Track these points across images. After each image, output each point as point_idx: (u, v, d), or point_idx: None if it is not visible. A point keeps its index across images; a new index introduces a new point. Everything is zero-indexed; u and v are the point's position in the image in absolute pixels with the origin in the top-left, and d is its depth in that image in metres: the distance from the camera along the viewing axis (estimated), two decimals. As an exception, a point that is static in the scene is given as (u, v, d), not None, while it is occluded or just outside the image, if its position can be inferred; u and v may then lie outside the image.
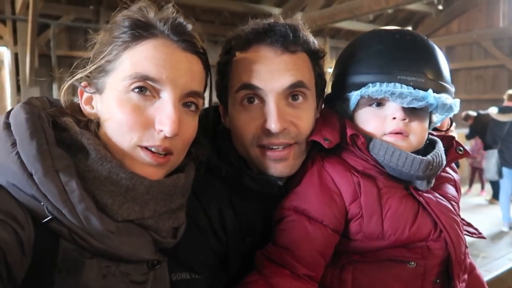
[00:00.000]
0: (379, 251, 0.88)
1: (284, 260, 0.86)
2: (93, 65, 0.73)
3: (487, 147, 5.65)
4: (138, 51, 0.71)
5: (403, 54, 0.89)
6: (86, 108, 0.76)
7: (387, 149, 0.88)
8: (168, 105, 0.71)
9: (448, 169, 1.02)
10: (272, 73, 0.87)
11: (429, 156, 0.88)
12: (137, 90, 0.70)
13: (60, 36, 6.54)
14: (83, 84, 0.76)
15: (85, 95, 0.76)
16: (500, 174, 5.34)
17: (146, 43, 0.71)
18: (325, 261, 0.88)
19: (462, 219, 0.98)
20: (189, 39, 0.75)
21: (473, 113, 6.55)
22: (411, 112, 0.88)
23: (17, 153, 0.63)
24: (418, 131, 0.91)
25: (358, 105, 0.94)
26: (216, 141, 0.98)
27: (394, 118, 0.89)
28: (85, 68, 0.75)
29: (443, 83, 0.89)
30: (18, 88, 6.14)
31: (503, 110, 5.34)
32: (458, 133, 5.22)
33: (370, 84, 0.88)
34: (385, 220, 0.87)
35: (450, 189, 0.97)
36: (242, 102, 0.90)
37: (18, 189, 0.63)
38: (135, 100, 0.70)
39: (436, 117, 0.97)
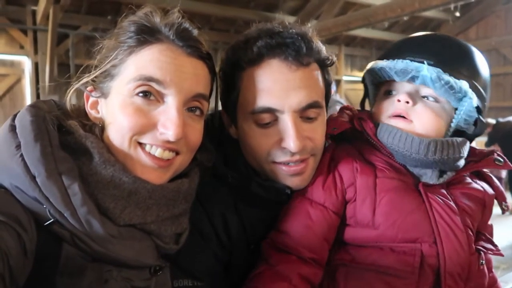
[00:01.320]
0: (369, 252, 0.86)
1: (288, 245, 0.86)
2: (98, 70, 0.74)
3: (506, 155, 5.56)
4: (143, 55, 0.71)
5: (421, 43, 0.92)
6: (91, 113, 0.76)
7: (391, 131, 0.89)
8: (172, 109, 0.71)
9: (483, 183, 0.97)
10: (288, 91, 0.85)
11: (430, 138, 0.87)
12: (142, 94, 0.70)
13: (78, 45, 6.66)
14: (89, 88, 0.76)
15: (91, 99, 0.76)
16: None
17: (151, 48, 0.72)
18: (328, 244, 0.89)
19: (482, 234, 0.94)
20: (194, 45, 0.75)
21: (492, 121, 6.44)
22: (419, 98, 0.89)
23: (21, 155, 0.63)
24: (424, 118, 0.89)
25: (377, 97, 0.98)
26: (222, 147, 0.96)
27: (399, 100, 0.90)
28: (91, 73, 0.75)
29: (460, 72, 0.87)
30: (37, 96, 6.27)
31: None
32: (477, 141, 5.14)
33: (377, 60, 0.92)
34: (378, 207, 0.86)
35: (470, 201, 0.92)
36: (258, 122, 0.88)
37: (21, 192, 0.63)
38: (139, 103, 0.70)
39: (456, 112, 0.92)
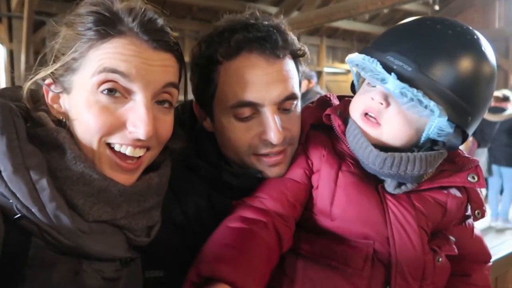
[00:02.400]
0: (326, 243, 0.88)
1: (254, 198, 0.89)
2: (57, 63, 0.69)
3: (479, 145, 5.79)
4: (105, 48, 0.67)
5: (412, 38, 0.83)
6: (54, 107, 0.72)
7: (356, 135, 0.87)
8: (140, 107, 0.68)
9: (452, 189, 0.93)
10: (268, 85, 0.86)
11: (388, 153, 0.83)
12: (106, 91, 0.67)
13: (56, 33, 6.51)
14: (47, 82, 0.72)
15: (51, 93, 0.73)
16: (489, 172, 5.50)
17: (114, 41, 0.68)
18: (297, 211, 0.90)
19: (440, 233, 0.93)
20: (161, 38, 0.71)
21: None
22: (395, 103, 0.82)
23: None
24: (394, 124, 0.84)
25: (359, 86, 0.95)
26: (194, 139, 0.97)
27: (372, 99, 0.85)
28: (49, 66, 0.71)
29: (440, 86, 0.78)
30: (13, 85, 6.10)
31: (493, 110, 5.48)
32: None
33: (356, 53, 0.87)
34: (336, 199, 0.87)
35: (428, 202, 0.90)
36: (238, 115, 0.88)
37: None
38: (104, 101, 0.67)
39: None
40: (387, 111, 0.84)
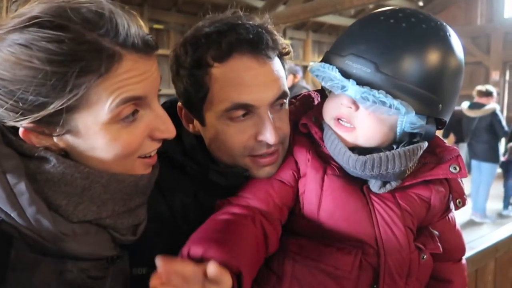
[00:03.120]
0: (315, 246, 0.88)
1: (239, 198, 0.88)
2: (46, 107, 0.59)
3: (458, 141, 5.90)
4: (111, 78, 0.62)
5: (367, 38, 0.81)
6: (47, 145, 0.64)
7: (333, 141, 0.87)
8: (160, 114, 0.71)
9: (436, 182, 0.92)
10: (262, 86, 0.86)
11: (366, 156, 0.83)
12: (127, 119, 0.66)
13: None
14: (25, 125, 0.62)
15: (35, 135, 0.64)
16: (469, 167, 5.58)
17: (116, 69, 0.62)
18: (283, 214, 0.90)
19: (425, 229, 0.95)
20: (151, 44, 0.68)
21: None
22: (365, 104, 0.80)
23: None
24: (366, 126, 0.83)
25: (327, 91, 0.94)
26: (181, 138, 0.96)
27: (342, 104, 0.84)
28: (28, 116, 0.60)
29: (401, 82, 0.77)
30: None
31: (472, 106, 5.63)
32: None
33: (316, 62, 0.87)
34: (323, 203, 0.87)
35: (412, 200, 0.90)
36: (233, 118, 0.88)
37: None
38: (126, 126, 0.66)
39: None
40: (357, 114, 0.84)
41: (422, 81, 0.79)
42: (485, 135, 5.53)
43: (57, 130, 0.63)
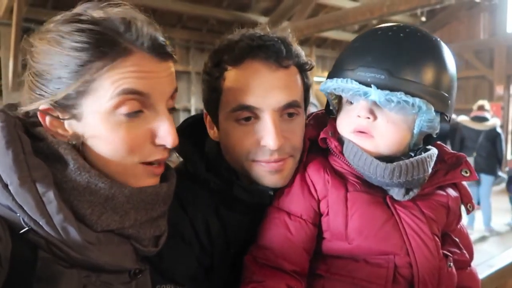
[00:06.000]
0: (344, 263, 0.87)
1: (270, 259, 0.86)
2: (61, 89, 0.66)
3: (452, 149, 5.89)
4: (117, 69, 0.66)
5: (371, 50, 0.86)
6: (58, 132, 0.69)
7: (356, 153, 0.88)
8: (164, 119, 0.70)
9: (447, 188, 0.96)
10: (268, 91, 0.87)
11: (394, 164, 0.85)
12: (133, 114, 0.68)
13: (44, 41, 6.46)
14: (42, 108, 0.68)
15: (50, 118, 0.68)
16: (478, 181, 5.52)
17: (123, 61, 0.66)
18: (309, 255, 0.88)
19: (448, 236, 0.95)
20: (164, 49, 0.71)
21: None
22: (380, 111, 0.85)
23: None
24: (386, 134, 0.86)
25: (340, 105, 0.95)
26: (205, 153, 0.97)
27: (359, 116, 0.86)
28: (51, 97, 0.66)
29: (417, 83, 0.83)
30: (0, 93, 6.02)
31: (477, 119, 5.63)
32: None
33: (328, 80, 0.89)
34: (350, 222, 0.86)
35: (434, 207, 0.92)
36: (238, 120, 0.89)
37: None
38: (127, 122, 0.68)
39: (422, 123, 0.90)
40: (376, 123, 0.86)
41: (434, 80, 0.85)
42: (490, 148, 5.53)
43: (68, 114, 0.68)
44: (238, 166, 0.94)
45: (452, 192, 0.95)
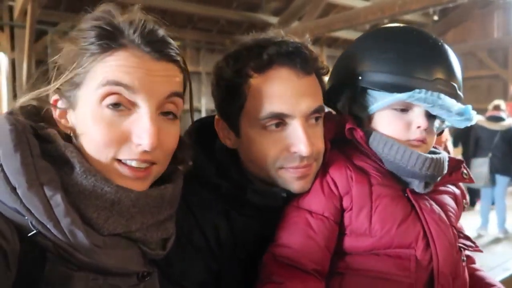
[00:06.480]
0: (365, 259, 0.87)
1: (291, 258, 0.85)
2: (61, 79, 0.70)
3: (464, 153, 5.80)
4: (108, 61, 0.68)
5: (442, 61, 0.90)
6: (61, 122, 0.73)
7: (387, 142, 0.90)
8: (144, 118, 0.68)
9: (449, 185, 1.01)
10: (297, 97, 0.88)
11: (428, 155, 0.89)
12: (111, 106, 0.67)
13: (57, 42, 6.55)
14: (54, 98, 0.73)
15: (58, 109, 0.73)
16: (492, 182, 5.45)
17: (116, 54, 0.68)
18: (330, 253, 0.89)
19: (460, 232, 0.97)
20: (162, 48, 0.71)
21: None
22: (432, 120, 0.92)
23: (0, 165, 0.62)
24: (432, 139, 0.93)
25: (372, 105, 0.95)
26: (214, 157, 0.97)
27: (419, 127, 0.89)
28: (53, 82, 0.71)
29: (461, 94, 0.91)
30: (14, 94, 6.12)
31: (493, 119, 5.53)
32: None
33: (417, 90, 0.85)
34: (374, 215, 0.87)
35: (448, 200, 0.97)
36: (266, 127, 0.89)
37: (1, 203, 0.62)
38: (109, 116, 0.68)
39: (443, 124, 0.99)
40: (430, 130, 0.93)
41: (460, 78, 0.93)
42: (506, 149, 5.42)
43: (68, 103, 0.71)
44: (264, 173, 0.93)
45: (455, 189, 1.01)
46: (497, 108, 5.60)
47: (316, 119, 0.92)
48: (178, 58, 0.75)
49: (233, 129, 0.94)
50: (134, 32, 0.69)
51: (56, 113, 0.73)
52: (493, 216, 5.56)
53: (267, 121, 0.88)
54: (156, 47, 0.70)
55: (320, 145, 0.93)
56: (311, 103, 0.89)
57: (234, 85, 0.90)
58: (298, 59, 0.88)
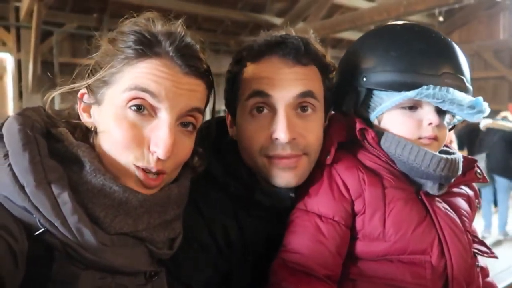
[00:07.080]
0: (378, 265, 0.84)
1: (301, 263, 0.83)
2: (94, 76, 0.72)
3: (469, 154, 5.77)
4: (140, 67, 0.70)
5: (448, 55, 0.88)
6: (83, 116, 0.75)
7: (399, 142, 0.86)
8: (163, 127, 0.70)
9: (462, 186, 0.98)
10: (283, 81, 0.88)
11: (442, 155, 0.86)
12: (135, 108, 0.69)
13: (63, 43, 6.57)
14: (81, 92, 0.76)
15: (83, 103, 0.75)
16: (490, 178, 5.37)
17: (149, 62, 0.71)
18: (341, 258, 0.86)
19: (475, 237, 0.95)
20: (193, 64, 0.73)
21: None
22: (443, 116, 0.89)
23: (9, 165, 0.62)
24: (444, 135, 0.91)
25: (379, 104, 0.92)
26: (222, 156, 0.96)
27: (430, 123, 0.87)
28: (86, 81, 0.74)
29: (470, 87, 0.89)
30: (20, 95, 6.16)
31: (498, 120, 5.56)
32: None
33: (425, 87, 0.83)
34: (388, 218, 0.84)
35: (462, 203, 0.94)
36: (251, 111, 0.90)
37: (10, 201, 0.62)
38: (132, 117, 0.69)
39: (452, 119, 0.97)
40: (440, 128, 0.89)
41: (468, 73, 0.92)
42: (504, 150, 5.39)
43: (94, 99, 0.73)
44: (252, 163, 0.93)
45: (468, 190, 0.98)
46: (504, 118, 5.63)
47: (305, 108, 0.90)
48: (207, 75, 0.77)
49: (233, 119, 0.98)
50: (171, 44, 0.72)
51: (80, 106, 0.75)
52: (495, 219, 5.55)
53: (251, 102, 0.89)
54: (188, 61, 0.73)
55: (311, 138, 0.91)
56: (297, 88, 0.88)
57: (232, 75, 0.96)
58: (288, 49, 0.89)
